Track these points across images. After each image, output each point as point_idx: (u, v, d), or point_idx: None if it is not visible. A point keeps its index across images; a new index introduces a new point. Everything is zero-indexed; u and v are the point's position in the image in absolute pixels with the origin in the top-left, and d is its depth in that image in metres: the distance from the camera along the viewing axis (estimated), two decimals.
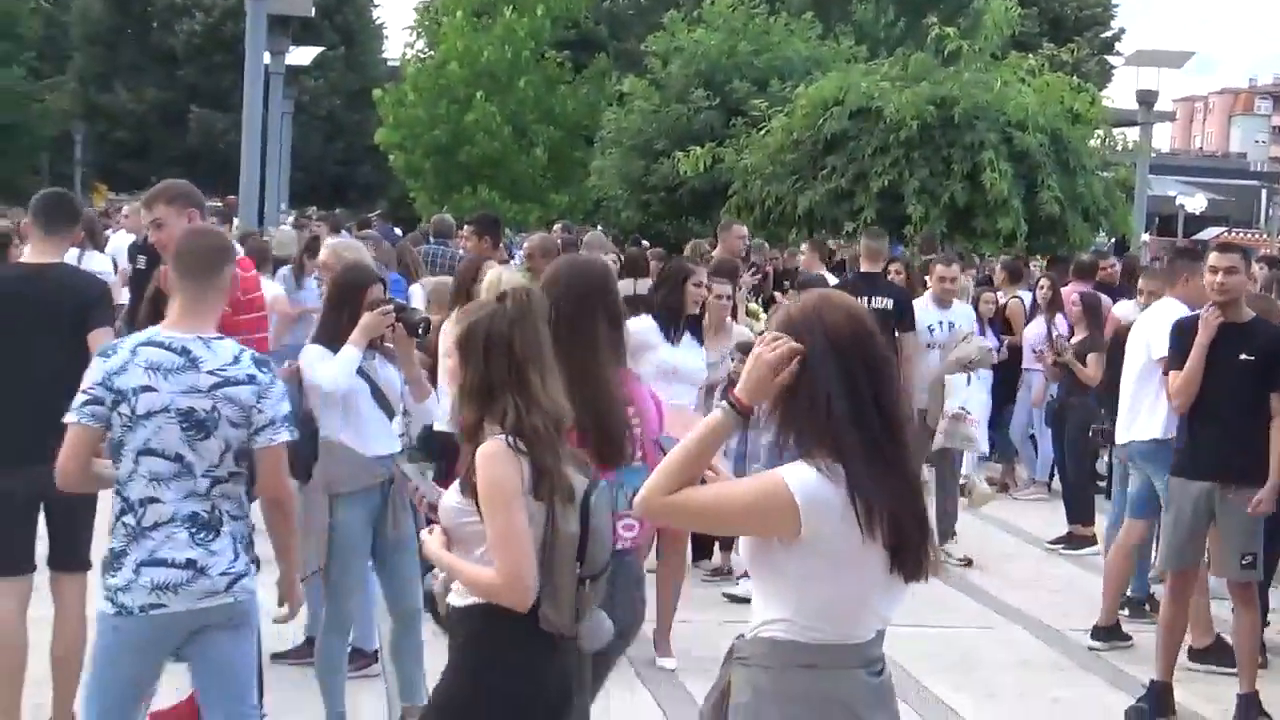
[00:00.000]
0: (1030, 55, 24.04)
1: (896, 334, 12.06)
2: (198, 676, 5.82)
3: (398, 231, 27.90)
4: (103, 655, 5.62)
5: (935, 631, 10.35)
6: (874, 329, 4.18)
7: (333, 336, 7.35)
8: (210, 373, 5.48)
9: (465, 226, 14.75)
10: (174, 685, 8.11)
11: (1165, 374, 9.05)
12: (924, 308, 12.51)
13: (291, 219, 28.80)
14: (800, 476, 4.01)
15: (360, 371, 7.29)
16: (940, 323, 12.23)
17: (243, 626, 5.72)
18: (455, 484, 4.99)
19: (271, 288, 11.81)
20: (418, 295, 13.85)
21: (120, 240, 18.48)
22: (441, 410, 8.08)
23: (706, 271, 14.35)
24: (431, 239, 17.93)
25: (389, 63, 58.35)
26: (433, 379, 9.59)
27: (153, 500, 5.46)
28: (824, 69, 26.95)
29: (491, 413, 4.82)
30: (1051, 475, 15.23)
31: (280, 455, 5.66)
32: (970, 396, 11.73)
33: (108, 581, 5.51)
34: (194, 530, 5.48)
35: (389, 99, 39.28)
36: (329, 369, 7.22)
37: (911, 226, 20.91)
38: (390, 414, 7.54)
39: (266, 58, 26.53)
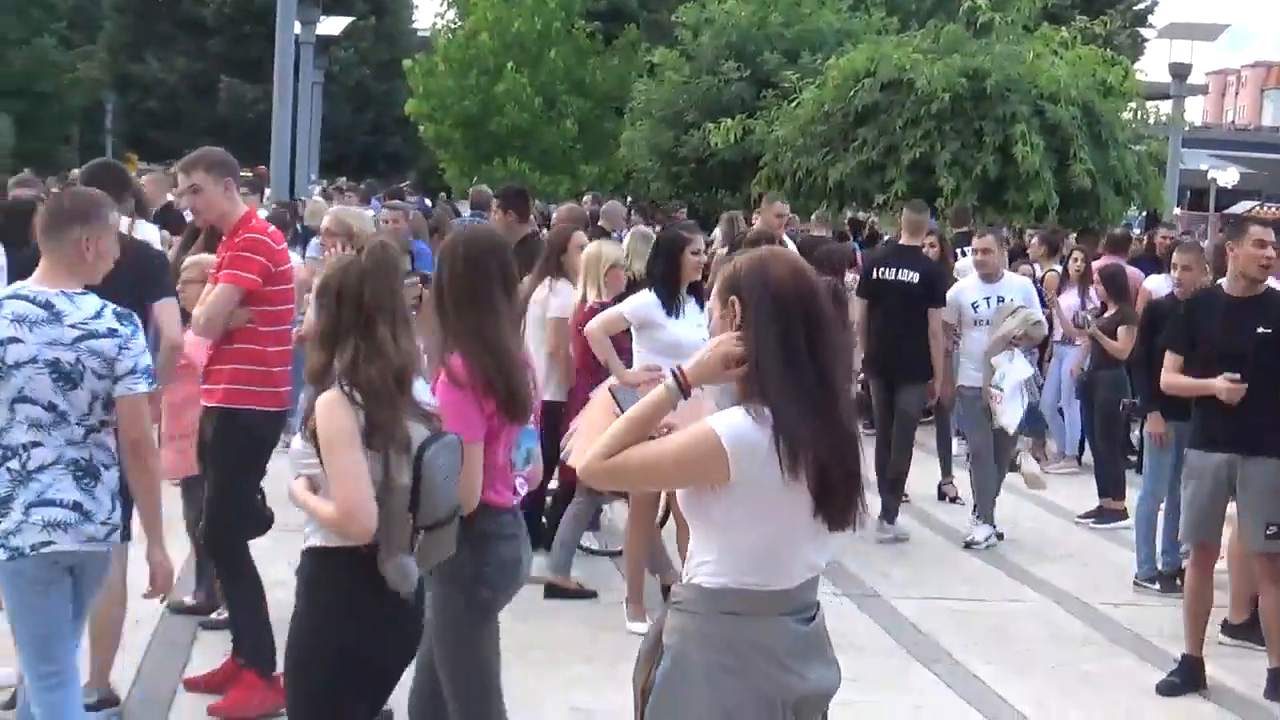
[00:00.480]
0: (1063, 28, 23.89)
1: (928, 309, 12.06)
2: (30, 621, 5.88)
3: (427, 202, 27.94)
4: (11, 602, 5.80)
5: (965, 605, 10.35)
6: (817, 286, 4.24)
7: None
8: (73, 326, 5.64)
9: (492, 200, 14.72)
10: (212, 652, 8.19)
11: (1162, 350, 9.11)
12: (971, 285, 12.34)
13: (321, 189, 28.82)
14: (728, 421, 4.08)
15: None
16: (987, 299, 11.93)
17: (102, 578, 5.96)
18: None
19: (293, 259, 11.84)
20: None
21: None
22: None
23: (729, 241, 14.40)
24: (469, 210, 17.93)
25: (419, 33, 58.30)
26: None
27: (36, 445, 5.64)
28: (855, 41, 26.82)
29: (339, 359, 5.01)
30: (1081, 448, 15.19)
31: (140, 405, 5.80)
32: (1007, 373, 11.60)
33: None
34: (78, 475, 5.67)
35: (419, 69, 39.23)
36: None
37: (943, 199, 20.81)
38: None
39: (297, 28, 26.56)
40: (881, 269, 12.40)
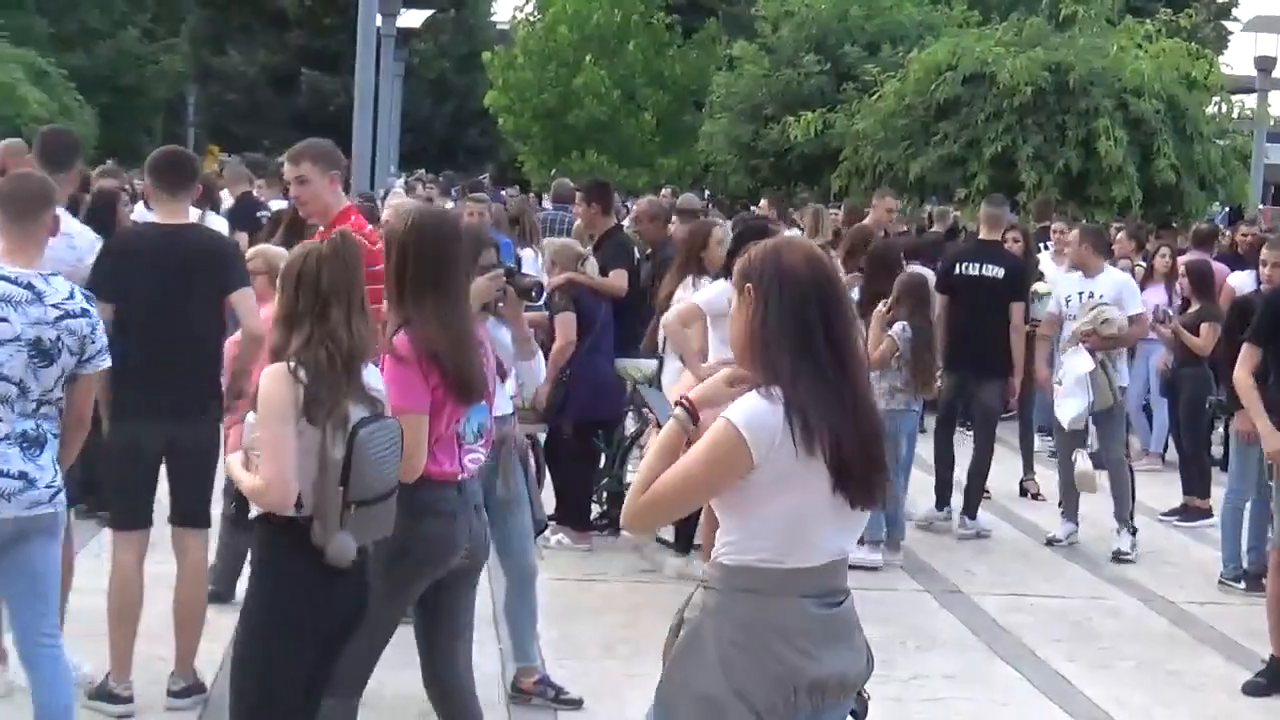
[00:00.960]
0: (1146, 21, 23.70)
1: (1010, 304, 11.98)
2: (9, 584, 6.17)
3: (504, 194, 27.99)
4: None
5: (1048, 601, 10.30)
6: (832, 273, 4.31)
7: None
8: (54, 305, 5.99)
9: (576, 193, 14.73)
10: None
11: (1239, 341, 9.05)
12: (1067, 278, 12.19)
13: (402, 182, 28.94)
14: (741, 408, 4.13)
15: None
16: (1080, 293, 11.68)
17: (56, 536, 6.19)
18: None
19: None
20: (529, 259, 13.90)
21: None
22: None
23: (814, 234, 14.32)
24: (551, 203, 17.94)
25: (498, 26, 58.40)
26: (545, 348, 9.63)
27: None
28: (936, 34, 26.73)
29: (294, 339, 5.23)
30: (1166, 446, 15.05)
31: (99, 382, 6.36)
32: (1069, 368, 11.47)
33: None
34: (25, 446, 5.97)
35: (498, 62, 39.33)
36: None
37: (1025, 193, 20.70)
38: (503, 376, 7.55)
39: (378, 20, 26.68)
40: (964, 264, 12.31)
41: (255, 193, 17.97)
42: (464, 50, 56.84)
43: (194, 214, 8.59)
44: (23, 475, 5.94)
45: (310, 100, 55.94)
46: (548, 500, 9.98)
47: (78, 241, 7.68)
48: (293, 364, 5.17)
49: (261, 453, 5.20)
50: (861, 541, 10.43)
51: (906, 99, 22.69)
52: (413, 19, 37.64)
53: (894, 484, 11.05)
